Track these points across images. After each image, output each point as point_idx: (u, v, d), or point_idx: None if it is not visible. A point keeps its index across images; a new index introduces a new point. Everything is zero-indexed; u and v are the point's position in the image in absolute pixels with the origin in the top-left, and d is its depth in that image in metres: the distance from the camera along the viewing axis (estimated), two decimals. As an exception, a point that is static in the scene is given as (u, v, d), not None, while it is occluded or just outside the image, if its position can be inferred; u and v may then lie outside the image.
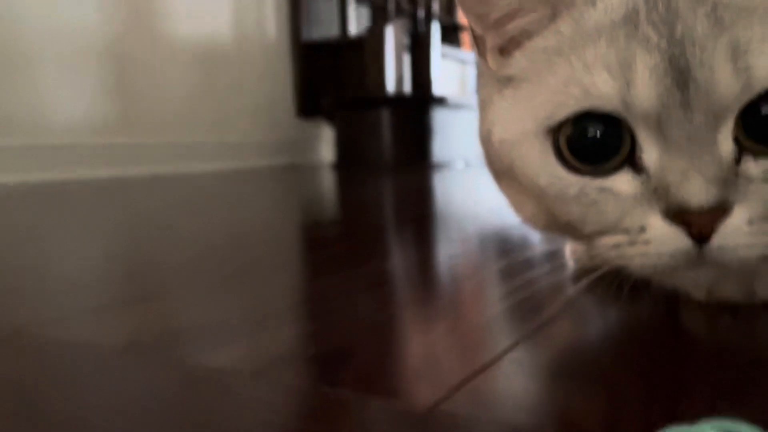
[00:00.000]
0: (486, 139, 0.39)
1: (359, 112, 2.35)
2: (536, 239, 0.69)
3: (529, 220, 0.40)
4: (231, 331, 0.39)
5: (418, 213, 1.03)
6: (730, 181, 0.31)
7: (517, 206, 0.40)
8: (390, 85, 2.33)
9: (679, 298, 0.43)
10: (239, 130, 2.30)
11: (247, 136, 2.34)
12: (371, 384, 0.30)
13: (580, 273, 0.49)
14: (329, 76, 2.49)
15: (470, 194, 1.31)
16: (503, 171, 0.38)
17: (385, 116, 2.29)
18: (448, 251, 0.68)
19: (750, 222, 0.31)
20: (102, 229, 0.89)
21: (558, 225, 0.37)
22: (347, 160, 2.34)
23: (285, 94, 2.50)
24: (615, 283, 0.36)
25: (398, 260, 0.63)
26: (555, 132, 0.34)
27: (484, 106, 0.39)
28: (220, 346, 0.36)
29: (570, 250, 0.53)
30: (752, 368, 0.31)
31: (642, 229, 0.32)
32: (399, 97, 2.36)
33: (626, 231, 0.33)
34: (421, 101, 2.38)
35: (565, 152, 0.34)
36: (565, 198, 0.34)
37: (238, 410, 0.27)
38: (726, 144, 0.31)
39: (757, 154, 0.31)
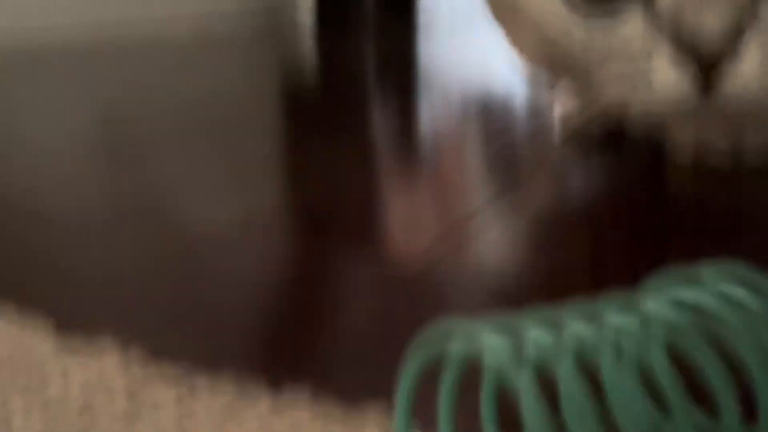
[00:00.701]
0: None
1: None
2: (521, 102, 0.68)
3: (529, 59, 0.39)
4: (215, 195, 0.38)
5: (402, 76, 1.00)
6: (744, 19, 0.29)
7: (517, 45, 0.39)
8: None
9: (665, 158, 0.43)
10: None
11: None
12: (356, 246, 0.30)
13: (568, 134, 0.48)
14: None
15: (457, 58, 1.27)
16: (504, 6, 0.37)
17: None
18: (430, 115, 0.67)
19: (762, 64, 0.29)
20: (74, 96, 0.85)
21: (560, 65, 0.36)
22: (328, 21, 2.23)
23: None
24: (602, 141, 0.36)
25: (381, 125, 0.61)
26: None
27: None
28: (205, 210, 0.35)
29: (559, 111, 0.52)
30: (734, 219, 0.32)
31: (648, 71, 0.30)
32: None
33: (632, 72, 0.31)
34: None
35: None
36: (570, 35, 0.33)
37: (224, 274, 0.27)
38: None
39: None
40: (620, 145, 0.38)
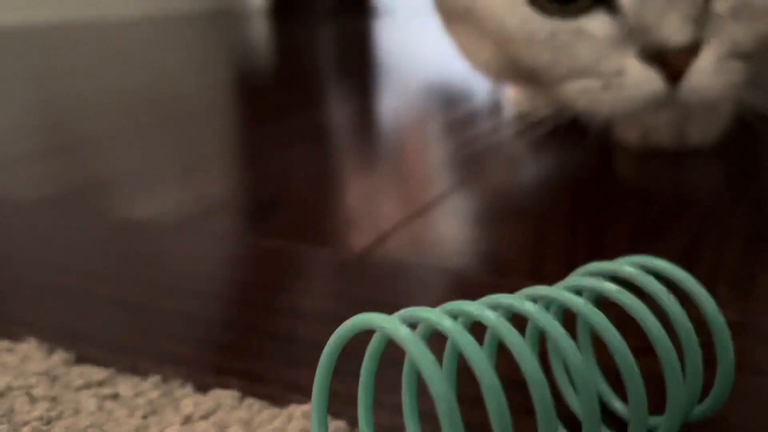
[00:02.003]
0: None
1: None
2: (479, 91, 0.68)
3: (483, 66, 0.38)
4: (156, 180, 0.37)
5: (360, 63, 0.99)
6: (702, 19, 0.30)
7: (471, 53, 0.39)
8: None
9: (612, 145, 0.43)
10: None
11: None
12: (302, 231, 0.30)
13: (521, 123, 0.48)
14: None
15: (414, 44, 1.26)
16: (458, 14, 0.36)
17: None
18: (389, 103, 0.66)
19: (718, 60, 0.31)
20: (15, 80, 0.82)
21: (518, 71, 0.36)
22: (282, 5, 2.19)
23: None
24: (554, 131, 0.36)
25: (337, 111, 0.60)
26: None
27: None
28: (145, 196, 0.35)
29: (511, 96, 0.52)
30: (675, 207, 0.32)
31: (618, 72, 0.31)
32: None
33: (600, 74, 0.32)
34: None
35: None
36: (534, 41, 0.33)
37: (164, 260, 0.27)
38: None
39: None
40: (572, 136, 0.38)
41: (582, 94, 0.33)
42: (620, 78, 0.31)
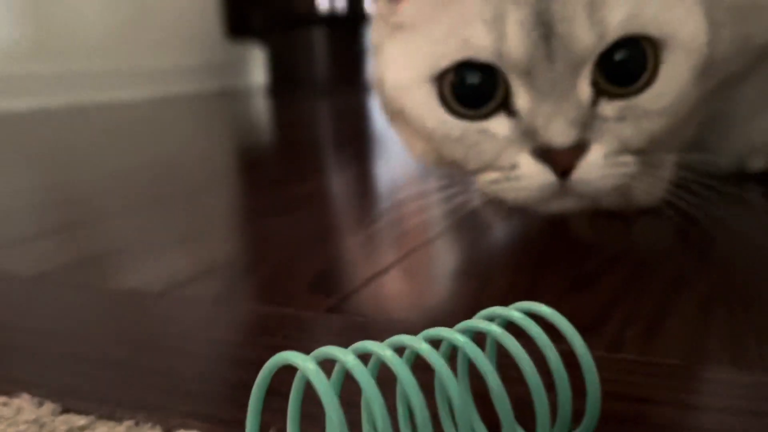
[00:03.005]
0: (379, 84, 0.41)
1: (291, 32, 2.29)
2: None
3: (420, 157, 0.44)
4: (147, 253, 0.41)
5: (353, 134, 1.04)
6: (589, 122, 0.35)
7: (410, 146, 0.44)
8: (323, 2, 2.27)
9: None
10: (165, 54, 2.22)
11: (174, 61, 2.26)
12: (272, 293, 0.33)
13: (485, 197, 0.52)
14: (258, -6, 2.40)
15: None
16: (396, 113, 0.41)
17: (319, 36, 2.24)
18: (380, 170, 0.71)
19: (606, 157, 0.35)
20: (22, 162, 0.87)
21: (446, 162, 0.41)
22: (280, 83, 2.30)
23: (211, 12, 2.40)
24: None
25: (331, 179, 0.65)
26: (439, 79, 0.37)
27: (376, 51, 0.42)
28: (135, 267, 0.38)
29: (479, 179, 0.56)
30: (609, 261, 0.36)
31: (513, 167, 0.36)
32: (333, 16, 2.31)
33: (501, 168, 0.36)
34: (355, 20, 2.33)
35: (449, 98, 0.37)
36: (449, 139, 0.37)
37: (143, 324, 0.30)
38: (584, 89, 0.34)
39: (612, 96, 0.35)
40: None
41: (491, 183, 0.37)
42: (516, 171, 0.36)
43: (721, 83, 0.42)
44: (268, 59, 2.35)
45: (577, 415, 0.18)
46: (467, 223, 0.46)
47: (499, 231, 0.46)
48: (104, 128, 1.29)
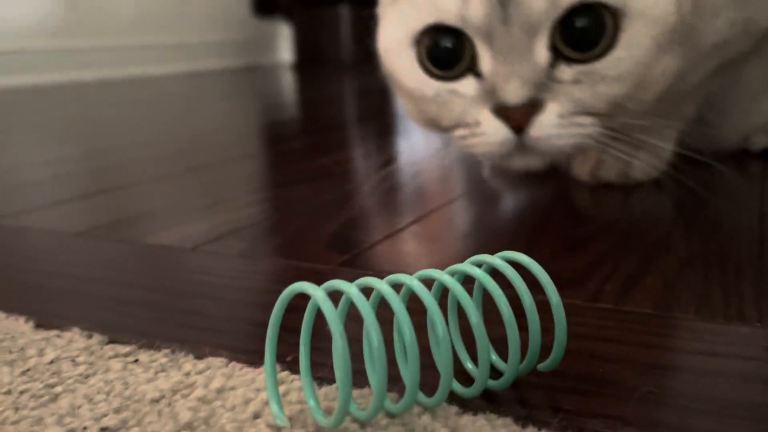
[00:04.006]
0: (378, 49, 0.45)
1: (318, 9, 2.31)
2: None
3: (410, 116, 0.47)
4: (179, 215, 0.45)
5: (377, 112, 1.07)
6: (545, 83, 0.37)
7: (403, 106, 0.48)
8: (348, -20, 2.28)
9: (570, 181, 0.50)
10: (193, 30, 2.26)
11: (202, 37, 2.29)
12: (292, 250, 0.36)
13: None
14: (286, -29, 2.42)
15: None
16: (389, 76, 0.45)
17: (345, 12, 2.26)
18: (401, 147, 0.73)
19: (560, 116, 0.38)
20: (58, 133, 0.91)
21: (427, 121, 0.44)
22: (306, 60, 2.32)
23: (241, -10, 2.43)
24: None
25: (354, 152, 0.68)
26: (418, 43, 0.41)
27: (380, 20, 0.45)
28: (168, 227, 0.42)
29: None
30: (599, 229, 0.38)
31: (477, 123, 0.39)
32: (358, -7, 2.32)
33: (467, 125, 0.40)
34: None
35: (425, 60, 0.41)
36: (426, 98, 0.41)
37: (178, 274, 0.34)
38: (541, 52, 0.37)
39: (571, 61, 0.38)
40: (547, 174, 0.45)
41: (461, 139, 0.41)
42: (479, 127, 0.39)
43: (723, 65, 0.44)
44: (294, 36, 2.38)
45: (547, 351, 0.21)
46: (477, 193, 0.49)
47: (506, 200, 0.49)
48: (135, 102, 1.34)
